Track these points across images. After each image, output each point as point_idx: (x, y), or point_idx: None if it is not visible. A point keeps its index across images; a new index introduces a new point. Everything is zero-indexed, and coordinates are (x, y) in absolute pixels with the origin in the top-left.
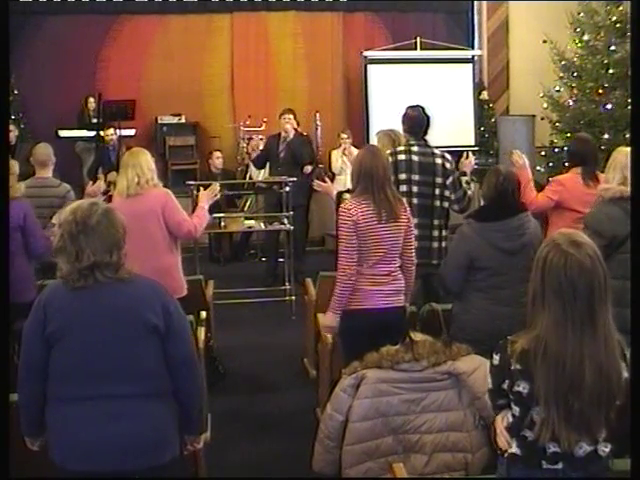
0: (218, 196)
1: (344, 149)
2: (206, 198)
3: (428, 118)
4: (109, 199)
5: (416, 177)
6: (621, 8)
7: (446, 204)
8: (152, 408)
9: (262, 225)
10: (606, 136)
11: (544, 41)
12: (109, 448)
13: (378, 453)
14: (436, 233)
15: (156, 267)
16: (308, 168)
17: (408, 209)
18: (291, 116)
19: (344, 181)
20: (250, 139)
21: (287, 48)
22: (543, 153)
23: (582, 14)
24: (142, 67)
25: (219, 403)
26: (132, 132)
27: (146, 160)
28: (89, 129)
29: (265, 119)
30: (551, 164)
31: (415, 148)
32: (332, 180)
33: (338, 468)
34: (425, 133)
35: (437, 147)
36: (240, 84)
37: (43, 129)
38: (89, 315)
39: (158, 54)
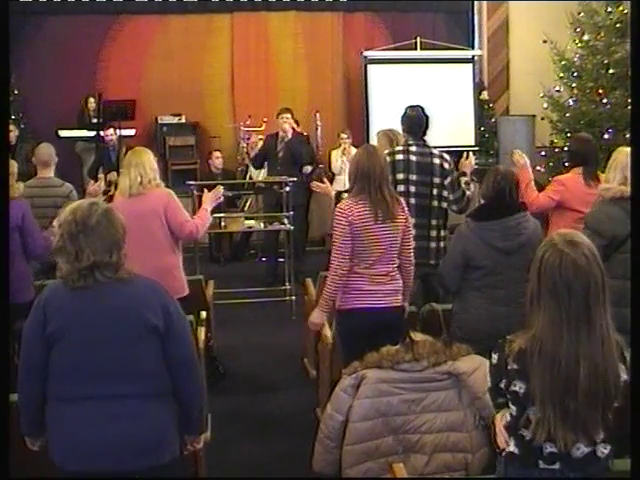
0: (222, 198)
1: (344, 149)
2: (210, 200)
3: (427, 118)
4: (110, 199)
5: (414, 177)
6: (621, 8)
7: (444, 204)
8: (152, 408)
9: (262, 225)
10: (606, 136)
11: (544, 41)
12: (109, 448)
13: (378, 453)
14: (434, 233)
15: (158, 267)
16: (308, 168)
17: (406, 209)
18: (289, 115)
19: (344, 181)
20: (248, 138)
21: (287, 48)
22: (543, 153)
23: (582, 14)
24: (142, 67)
25: (219, 403)
26: (132, 132)
27: (149, 160)
28: (89, 129)
29: (265, 119)
30: (551, 164)
31: (413, 148)
32: (332, 180)
33: (338, 468)
34: (424, 133)
35: (437, 147)
36: (240, 84)
37: (43, 129)
38: (89, 315)
39: (158, 54)
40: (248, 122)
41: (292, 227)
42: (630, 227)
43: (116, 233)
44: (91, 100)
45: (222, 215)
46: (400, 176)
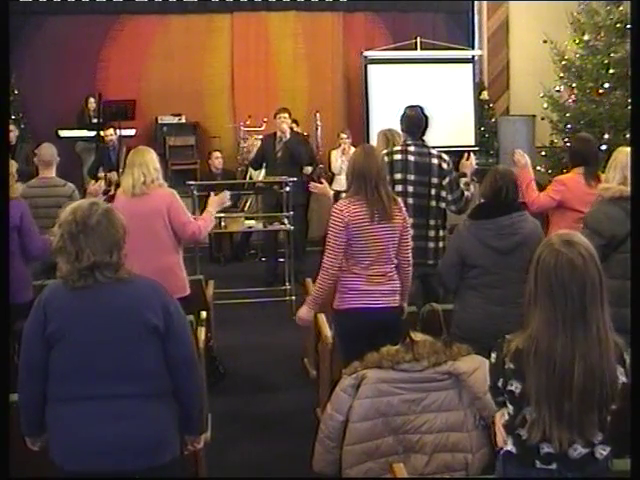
0: (227, 203)
1: (343, 149)
2: (216, 204)
3: (426, 118)
4: (111, 198)
5: (412, 177)
6: (621, 8)
7: (443, 204)
8: (152, 408)
9: (261, 225)
10: (606, 136)
11: (544, 41)
12: (109, 448)
13: (378, 453)
14: (432, 233)
15: (160, 266)
16: (308, 169)
17: (404, 209)
18: (286, 115)
19: (343, 181)
20: (245, 139)
21: (287, 48)
22: (543, 153)
23: (582, 14)
24: (142, 67)
25: (219, 403)
26: (132, 132)
27: (152, 159)
28: (89, 129)
29: (265, 119)
30: (551, 164)
31: (412, 148)
32: (332, 180)
33: (338, 468)
34: (423, 133)
35: (437, 147)
36: (240, 84)
37: (43, 129)
38: (89, 315)
39: (158, 54)
40: (248, 122)
41: (292, 227)
42: (629, 227)
43: (116, 233)
44: (91, 100)
45: (222, 215)
46: (398, 176)
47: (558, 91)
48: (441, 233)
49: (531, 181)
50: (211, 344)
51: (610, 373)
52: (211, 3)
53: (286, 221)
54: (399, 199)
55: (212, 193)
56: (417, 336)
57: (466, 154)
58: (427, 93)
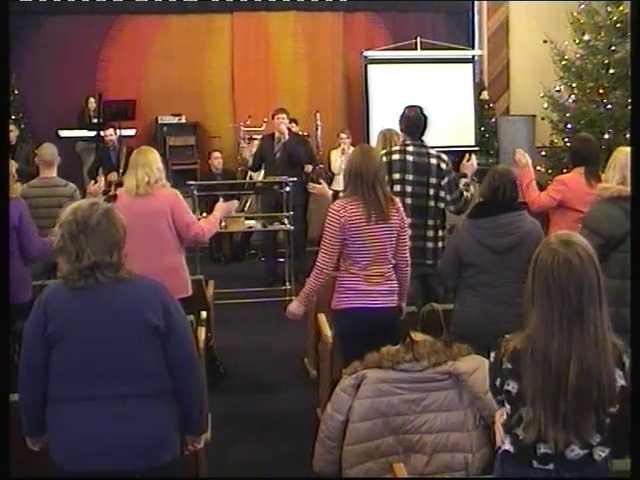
0: (233, 212)
1: (343, 149)
2: (223, 210)
3: (425, 118)
4: (113, 198)
5: (410, 177)
6: (621, 8)
7: (441, 204)
8: (152, 408)
9: (260, 225)
10: (606, 136)
11: (544, 41)
12: (109, 448)
13: (378, 453)
14: (431, 233)
15: (164, 266)
16: (309, 167)
17: (401, 209)
18: (284, 116)
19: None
20: (245, 139)
21: (287, 48)
22: (543, 153)
23: (582, 14)
24: (142, 67)
25: (219, 403)
26: (132, 132)
27: (155, 159)
28: (89, 129)
29: (265, 119)
30: (551, 164)
31: (410, 148)
32: (331, 180)
33: (338, 468)
34: (422, 133)
35: (437, 147)
36: (240, 84)
37: (43, 129)
38: (89, 315)
39: (158, 54)
40: (248, 122)
41: (292, 227)
42: (628, 226)
43: (117, 233)
44: (91, 100)
45: None
46: (396, 176)
47: (558, 91)
48: (440, 233)
49: (532, 181)
50: (211, 344)
51: (607, 374)
52: (211, 3)
53: (286, 221)
54: (397, 199)
55: (221, 199)
56: (417, 336)
57: (467, 155)
58: (427, 93)
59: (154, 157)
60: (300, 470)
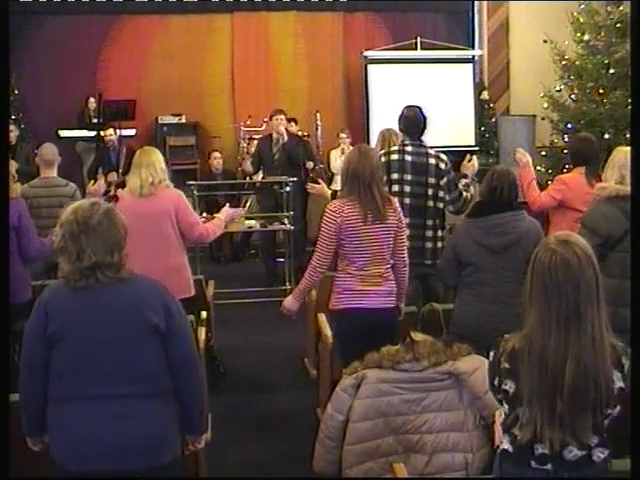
0: (236, 220)
1: (342, 149)
2: (228, 215)
3: (425, 118)
4: (114, 199)
5: (408, 177)
6: (621, 8)
7: (440, 204)
8: (153, 408)
9: (259, 225)
10: (606, 136)
11: (544, 41)
12: (110, 448)
13: (379, 453)
14: (430, 233)
15: (168, 266)
16: (310, 164)
17: (399, 210)
18: (282, 117)
19: None
20: (250, 139)
21: (287, 48)
22: (543, 153)
23: (582, 14)
24: (142, 67)
25: (219, 403)
26: (132, 132)
27: (159, 160)
28: (89, 129)
29: (265, 119)
30: (551, 164)
31: (409, 148)
32: (331, 180)
33: (339, 468)
34: (421, 133)
35: (437, 147)
36: (240, 84)
37: (43, 129)
38: (90, 315)
39: (158, 54)
40: (248, 122)
41: (293, 227)
42: (626, 226)
43: (117, 233)
44: (91, 100)
45: None
46: (395, 176)
47: (558, 91)
48: (439, 233)
49: (532, 180)
50: (211, 344)
51: (605, 375)
52: (211, 3)
53: (286, 221)
54: (394, 199)
55: (227, 204)
56: (417, 336)
57: (468, 155)
58: (427, 93)
59: (158, 157)
60: (300, 470)
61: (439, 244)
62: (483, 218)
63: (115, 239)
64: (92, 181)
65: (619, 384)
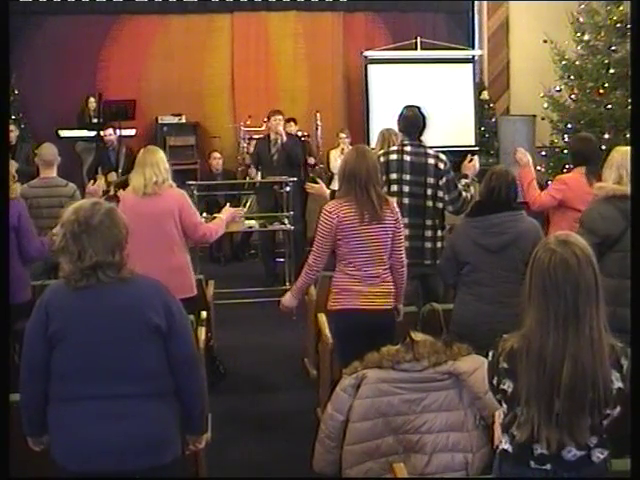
0: (237, 219)
1: (342, 149)
2: (229, 214)
3: (424, 118)
4: (112, 198)
5: (407, 177)
6: (621, 8)
7: (439, 204)
8: (154, 408)
9: (261, 225)
10: (606, 136)
11: (544, 41)
12: (111, 448)
13: (379, 453)
14: (429, 233)
15: (171, 266)
16: (312, 159)
17: (396, 210)
18: (280, 117)
19: None
20: (250, 139)
21: (287, 48)
22: (543, 153)
23: (582, 14)
24: (142, 67)
25: (219, 403)
26: (132, 132)
27: (162, 159)
28: (89, 129)
29: (265, 119)
30: (551, 164)
31: (408, 148)
32: (330, 179)
33: (339, 468)
34: (421, 133)
35: (437, 147)
36: (240, 84)
37: (43, 129)
38: (91, 315)
39: (158, 54)
40: (248, 122)
41: (293, 227)
42: (623, 226)
43: (119, 233)
44: (91, 100)
45: None
46: (394, 176)
47: (558, 91)
48: (439, 233)
49: (532, 180)
50: (211, 344)
51: (603, 375)
52: (211, 3)
53: (286, 221)
54: (392, 199)
55: (228, 204)
56: (417, 336)
57: (469, 155)
58: (427, 93)
59: (161, 157)
60: (300, 470)
61: (439, 244)
62: (481, 218)
63: (116, 239)
64: (91, 181)
65: (618, 384)
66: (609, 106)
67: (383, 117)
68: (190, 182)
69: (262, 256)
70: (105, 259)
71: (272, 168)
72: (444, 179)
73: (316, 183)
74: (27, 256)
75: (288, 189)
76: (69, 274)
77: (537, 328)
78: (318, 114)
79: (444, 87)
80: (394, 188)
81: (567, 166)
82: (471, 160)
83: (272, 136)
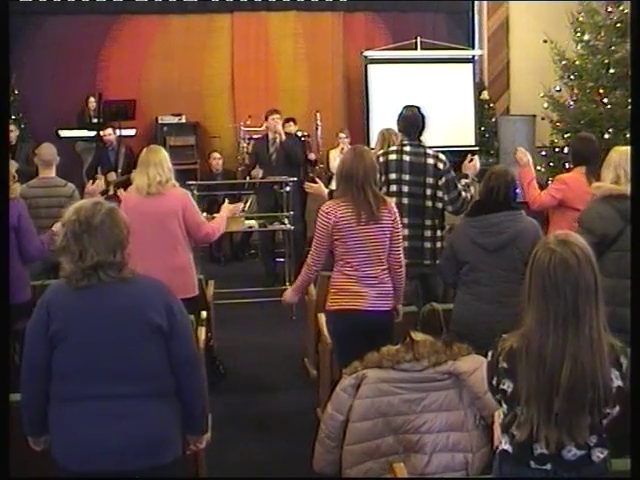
0: (236, 214)
1: (342, 149)
2: (229, 211)
3: (424, 118)
4: (115, 198)
5: (407, 177)
6: (621, 8)
7: (439, 204)
8: (154, 408)
9: (261, 225)
10: (606, 136)
11: (544, 41)
12: (111, 448)
13: (379, 453)
14: (428, 233)
15: (174, 265)
16: (312, 155)
17: (394, 210)
18: (278, 116)
19: None
20: (250, 139)
21: (287, 48)
22: (543, 153)
23: (582, 14)
24: (142, 67)
25: (219, 403)
26: (132, 132)
27: (166, 159)
28: (89, 129)
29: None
30: (551, 164)
31: (407, 148)
32: (330, 179)
33: (339, 468)
34: (420, 133)
35: (437, 147)
36: (240, 84)
37: (43, 129)
38: (92, 315)
39: (158, 54)
40: (248, 122)
41: (293, 227)
42: (621, 225)
43: (120, 233)
44: (91, 100)
45: None
46: (393, 176)
47: (558, 91)
48: (438, 233)
49: (532, 179)
50: (211, 344)
51: (603, 375)
52: (211, 3)
53: (286, 221)
54: (390, 200)
55: (226, 200)
56: (417, 336)
57: (469, 155)
58: (427, 93)
59: (165, 156)
60: (300, 470)
61: (438, 244)
62: (479, 217)
63: (117, 239)
64: (91, 181)
65: (617, 382)
66: (609, 106)
67: (383, 117)
68: (190, 182)
69: (262, 256)
70: (106, 259)
71: (271, 168)
72: (443, 179)
73: (315, 183)
74: (27, 256)
75: (288, 189)
76: (70, 274)
77: (537, 328)
78: (318, 114)
79: (444, 87)
80: (393, 188)
81: (567, 166)
82: (471, 160)
83: (270, 135)
